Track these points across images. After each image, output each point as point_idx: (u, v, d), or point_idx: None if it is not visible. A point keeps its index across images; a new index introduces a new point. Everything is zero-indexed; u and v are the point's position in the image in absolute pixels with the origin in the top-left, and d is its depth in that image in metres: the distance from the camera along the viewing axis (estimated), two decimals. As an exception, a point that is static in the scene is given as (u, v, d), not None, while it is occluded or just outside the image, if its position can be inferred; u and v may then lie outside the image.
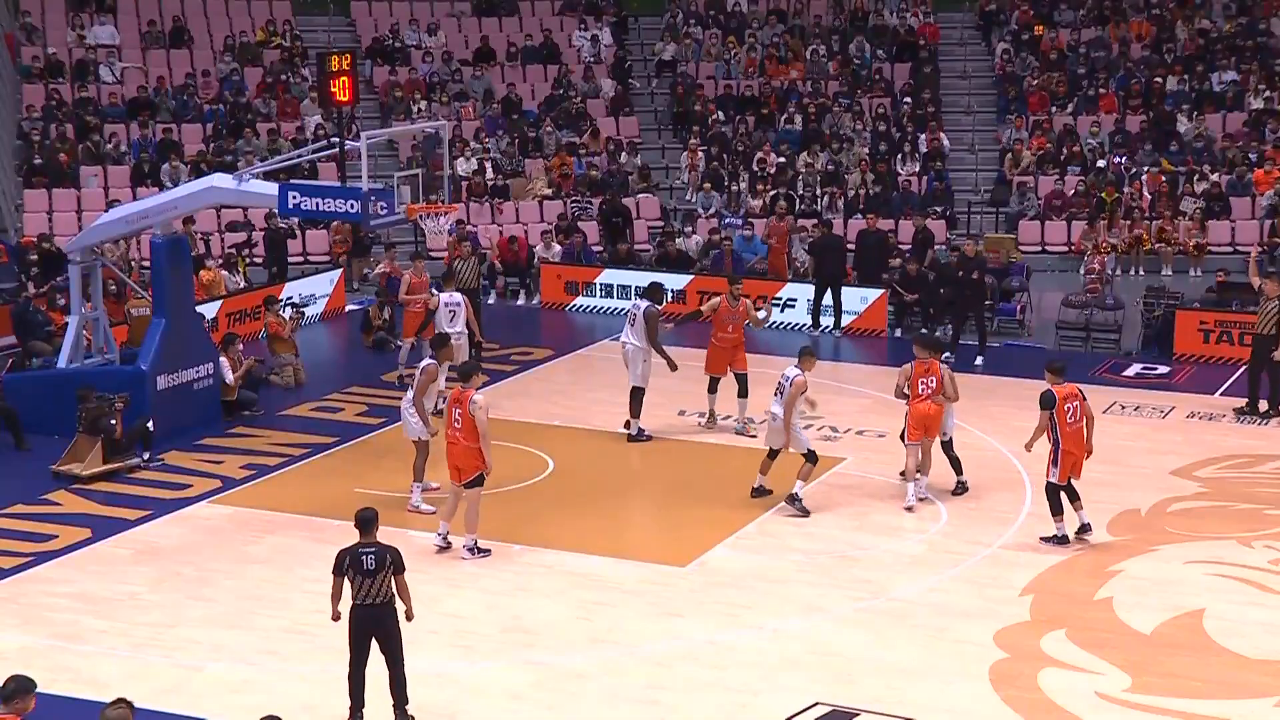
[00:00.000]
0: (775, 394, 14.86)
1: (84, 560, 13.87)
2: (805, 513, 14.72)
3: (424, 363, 14.83)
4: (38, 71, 28.40)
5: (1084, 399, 14.02)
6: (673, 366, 17.13)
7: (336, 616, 10.67)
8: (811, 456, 14.84)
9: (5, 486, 15.73)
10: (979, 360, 20.32)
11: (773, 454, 15.02)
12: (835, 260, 22.42)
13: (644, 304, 17.13)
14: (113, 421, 15.96)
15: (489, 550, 13.70)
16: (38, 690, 8.66)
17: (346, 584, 10.57)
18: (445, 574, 13.37)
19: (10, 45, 28.77)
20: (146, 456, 16.30)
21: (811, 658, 11.97)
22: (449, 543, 13.81)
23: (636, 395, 17.05)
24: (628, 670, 11.75)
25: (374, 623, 10.47)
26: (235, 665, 11.77)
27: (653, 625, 12.54)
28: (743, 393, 17.17)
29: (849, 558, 13.97)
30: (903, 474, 15.18)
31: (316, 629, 12.28)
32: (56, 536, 14.33)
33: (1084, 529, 14.13)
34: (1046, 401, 13.85)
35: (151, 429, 16.39)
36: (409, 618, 10.70)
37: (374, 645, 10.54)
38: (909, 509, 14.85)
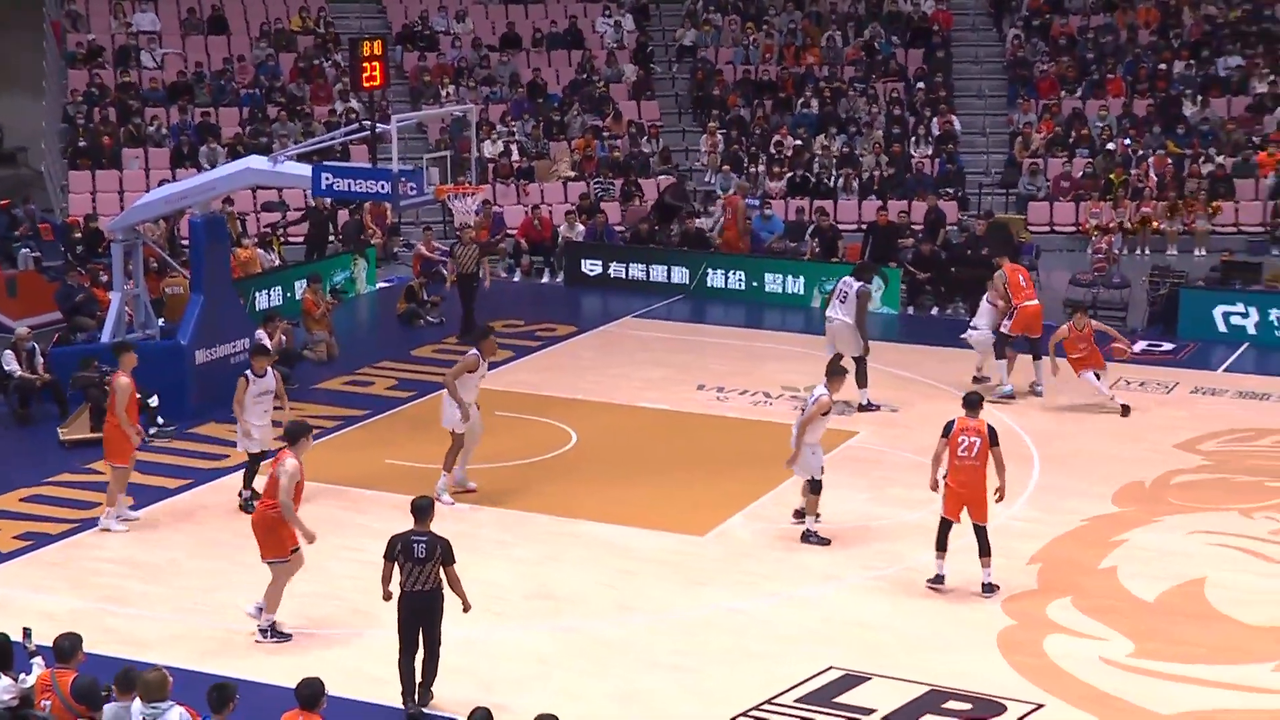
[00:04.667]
0: (799, 410, 13.86)
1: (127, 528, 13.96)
2: (825, 541, 13.43)
3: (469, 353, 14.45)
4: (82, 57, 28.47)
5: (990, 441, 12.26)
6: (866, 350, 17.10)
7: (388, 597, 10.48)
8: (815, 486, 13.46)
9: (52, 456, 15.87)
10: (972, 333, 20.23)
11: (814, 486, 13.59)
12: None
13: (856, 283, 17.09)
14: (104, 391, 15.98)
15: (289, 635, 11.63)
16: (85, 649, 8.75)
17: (396, 569, 10.38)
18: (472, 543, 13.43)
19: (57, 32, 28.86)
20: (153, 432, 16.12)
21: (828, 625, 12.00)
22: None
23: (861, 365, 17.04)
24: (652, 636, 11.78)
25: (423, 610, 10.30)
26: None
27: (675, 593, 12.58)
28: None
29: (863, 529, 13.97)
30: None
31: (350, 594, 12.37)
32: (100, 504, 14.42)
33: (987, 588, 12.32)
34: (945, 429, 12.47)
35: (155, 404, 16.23)
36: (465, 609, 10.45)
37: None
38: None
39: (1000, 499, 12.48)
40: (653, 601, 12.38)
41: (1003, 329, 17.64)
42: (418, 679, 10.47)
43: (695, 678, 11.10)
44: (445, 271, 23.71)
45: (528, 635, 11.77)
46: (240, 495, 14.17)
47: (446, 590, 10.41)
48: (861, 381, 17.13)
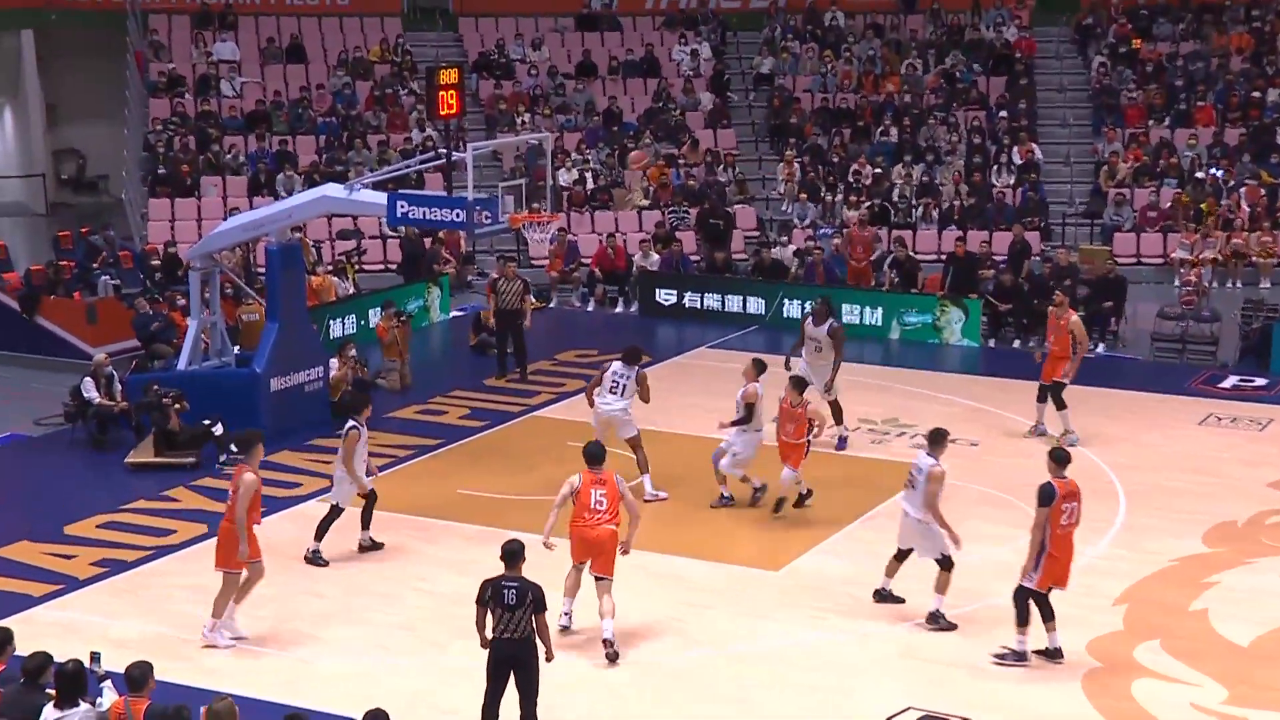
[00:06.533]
0: (906, 486, 12.54)
1: (201, 554, 14.10)
2: (952, 626, 12.38)
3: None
4: (163, 86, 29.08)
5: (1081, 499, 11.75)
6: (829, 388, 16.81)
7: (485, 643, 10.27)
8: (946, 563, 12.37)
9: (128, 483, 16.12)
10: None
11: (902, 555, 12.74)
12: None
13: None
14: (166, 415, 16.23)
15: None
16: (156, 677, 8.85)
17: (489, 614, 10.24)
18: (541, 575, 13.43)
19: (139, 62, 29.52)
20: (223, 459, 16.28)
21: (902, 661, 11.87)
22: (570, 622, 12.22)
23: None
24: (720, 669, 11.73)
25: (513, 659, 10.15)
26: (345, 656, 11.93)
27: (744, 626, 12.51)
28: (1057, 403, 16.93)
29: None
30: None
31: (423, 624, 12.44)
32: (175, 531, 14.65)
33: (1054, 653, 11.75)
34: (1044, 497, 11.52)
35: (219, 432, 16.40)
36: (548, 658, 10.30)
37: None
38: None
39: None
40: (721, 634, 12.33)
41: (1065, 378, 17.10)
42: None
43: (763, 712, 11.00)
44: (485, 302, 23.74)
45: (597, 667, 11.74)
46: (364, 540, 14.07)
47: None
48: (838, 418, 16.87)
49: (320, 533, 13.80)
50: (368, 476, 13.86)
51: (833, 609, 12.86)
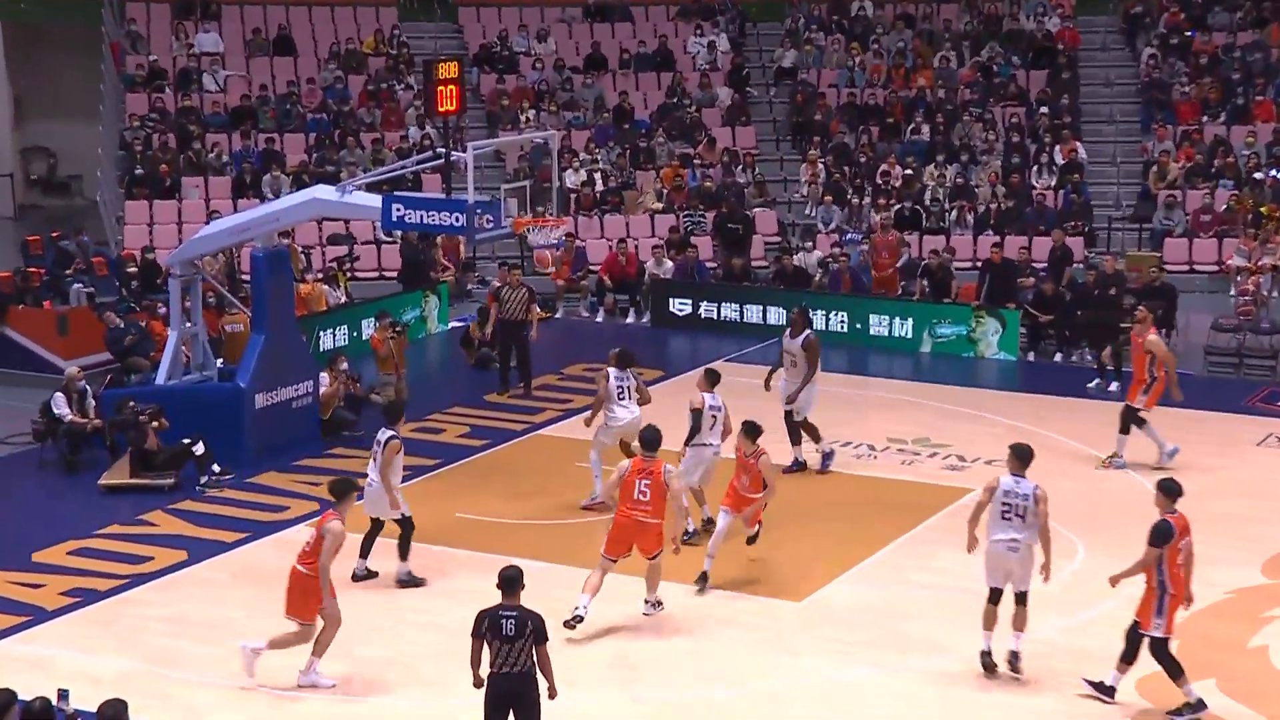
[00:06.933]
0: (1002, 518, 12.01)
1: (180, 584, 14.18)
2: (1017, 674, 12.07)
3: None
4: (141, 80, 29.21)
5: (1191, 532, 11.53)
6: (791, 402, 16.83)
7: (479, 682, 10.16)
8: (1022, 597, 12.01)
9: (101, 506, 16.15)
10: (1114, 386, 19.94)
11: (997, 597, 12.17)
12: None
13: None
14: (143, 434, 16.27)
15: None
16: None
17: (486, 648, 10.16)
18: (546, 605, 13.41)
19: (115, 54, 29.63)
20: (204, 480, 16.44)
21: (937, 700, 11.82)
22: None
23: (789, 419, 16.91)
24: (737, 708, 11.70)
25: (512, 695, 9.99)
26: (334, 696, 11.92)
27: (764, 661, 12.49)
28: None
29: (977, 594, 13.74)
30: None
31: (418, 660, 12.43)
32: (152, 559, 14.67)
33: (1108, 690, 11.71)
34: (1162, 536, 11.36)
35: (200, 452, 16.48)
36: (551, 695, 10.15)
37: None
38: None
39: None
40: (739, 670, 12.30)
41: (1142, 404, 16.95)
42: None
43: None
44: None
45: (604, 705, 11.72)
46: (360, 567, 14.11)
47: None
48: (795, 439, 16.81)
49: (401, 552, 13.90)
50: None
51: (861, 643, 12.82)
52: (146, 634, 13.06)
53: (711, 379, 15.15)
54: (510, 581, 10.22)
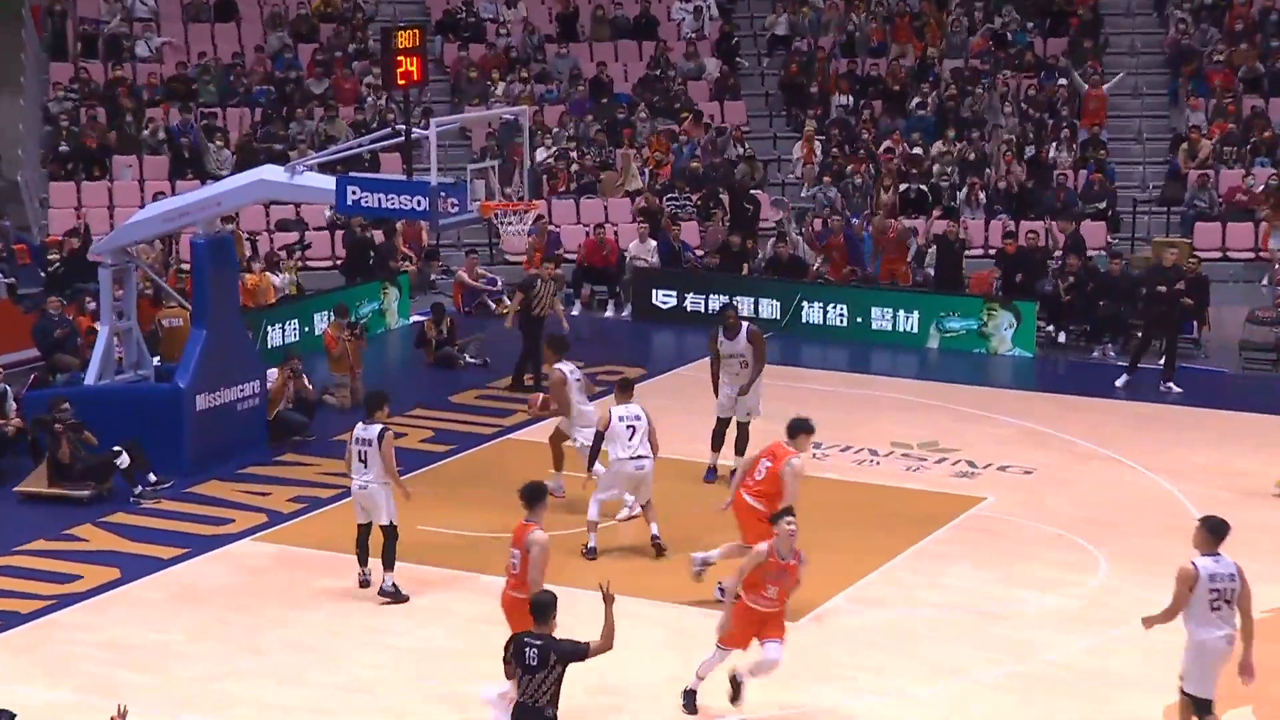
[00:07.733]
0: (1211, 608, 10.76)
1: (113, 604, 14.18)
2: None
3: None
4: (66, 48, 29.11)
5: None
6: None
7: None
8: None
9: (23, 520, 16.11)
10: (1170, 386, 20.11)
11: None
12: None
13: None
14: (57, 441, 16.26)
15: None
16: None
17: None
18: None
19: (37, 19, 29.54)
20: (138, 491, 16.45)
21: (946, 731, 11.92)
22: None
23: (721, 427, 17.10)
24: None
25: None
26: (282, 726, 11.97)
27: (761, 688, 12.54)
28: None
29: (990, 614, 13.87)
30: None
31: (377, 686, 12.47)
32: (82, 577, 14.65)
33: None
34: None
35: (124, 464, 16.41)
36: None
37: None
38: None
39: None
40: (730, 697, 12.36)
41: None
42: None
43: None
44: (491, 304, 23.84)
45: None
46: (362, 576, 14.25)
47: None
48: (716, 444, 17.03)
49: (387, 562, 13.96)
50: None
51: (864, 667, 12.89)
52: (76, 660, 13.06)
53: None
54: (541, 608, 10.16)
